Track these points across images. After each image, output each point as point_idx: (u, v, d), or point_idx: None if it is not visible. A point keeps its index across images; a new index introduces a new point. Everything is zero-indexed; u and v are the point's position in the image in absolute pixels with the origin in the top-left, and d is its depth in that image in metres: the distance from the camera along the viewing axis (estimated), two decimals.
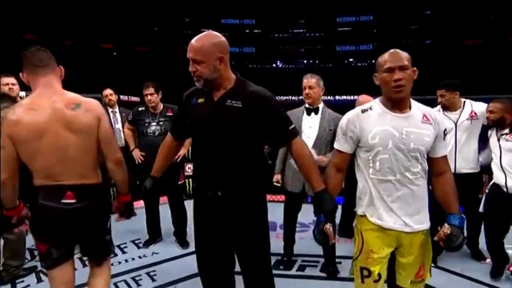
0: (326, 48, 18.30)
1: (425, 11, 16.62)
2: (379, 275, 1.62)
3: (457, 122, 2.99)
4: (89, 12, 15.81)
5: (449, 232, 1.56)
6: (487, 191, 2.91)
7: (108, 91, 3.98)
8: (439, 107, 3.17)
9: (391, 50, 1.58)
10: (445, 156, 1.66)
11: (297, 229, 3.56)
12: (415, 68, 1.56)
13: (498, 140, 2.76)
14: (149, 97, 3.26)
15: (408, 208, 1.57)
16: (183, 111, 1.78)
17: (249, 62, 18.19)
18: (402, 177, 1.55)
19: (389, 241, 1.61)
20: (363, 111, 1.63)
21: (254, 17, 18.65)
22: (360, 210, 1.69)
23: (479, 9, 14.83)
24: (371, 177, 1.61)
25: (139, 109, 3.37)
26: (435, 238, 1.61)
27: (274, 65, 17.74)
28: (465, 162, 2.90)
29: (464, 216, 1.65)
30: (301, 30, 18.71)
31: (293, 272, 2.89)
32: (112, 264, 2.90)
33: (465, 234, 1.65)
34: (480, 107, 2.99)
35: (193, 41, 1.57)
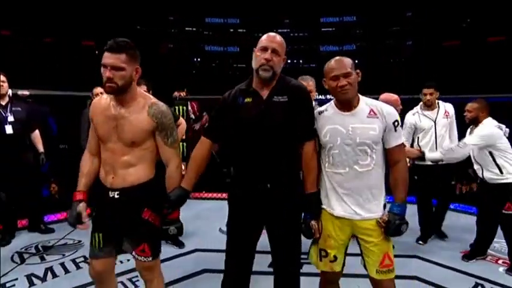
0: (310, 48, 18.40)
1: (406, 12, 16.95)
2: (335, 256, 1.79)
3: (435, 119, 3.36)
4: (69, 8, 15.38)
5: (387, 219, 1.69)
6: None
7: (98, 89, 3.89)
8: (418, 107, 3.51)
9: (336, 58, 1.75)
10: (399, 147, 1.75)
11: None
12: (358, 71, 1.74)
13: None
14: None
15: (358, 198, 1.71)
16: (223, 113, 1.81)
17: (233, 61, 18.08)
18: (351, 170, 1.71)
19: (344, 228, 1.76)
20: (320, 112, 1.82)
21: (238, 16, 18.55)
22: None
23: (457, 12, 15.25)
24: (326, 170, 1.78)
25: None
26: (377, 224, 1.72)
27: None
28: None
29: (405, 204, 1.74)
30: (286, 30, 18.74)
31: None
32: None
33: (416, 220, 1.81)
34: (450, 108, 3.42)
35: (273, 34, 1.76)
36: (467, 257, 3.10)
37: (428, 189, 3.45)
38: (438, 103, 3.43)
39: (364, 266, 1.80)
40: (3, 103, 3.41)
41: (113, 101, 1.75)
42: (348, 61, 1.72)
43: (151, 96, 1.85)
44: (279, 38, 1.75)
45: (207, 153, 1.84)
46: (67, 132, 5.04)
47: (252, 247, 1.84)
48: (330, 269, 1.82)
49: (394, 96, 3.09)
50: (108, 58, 1.65)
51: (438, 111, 3.38)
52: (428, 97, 3.37)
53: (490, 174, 2.91)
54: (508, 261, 2.94)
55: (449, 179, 3.54)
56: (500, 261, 3.04)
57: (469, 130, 3.10)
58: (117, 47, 1.65)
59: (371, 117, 1.71)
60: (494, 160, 2.85)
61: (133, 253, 1.82)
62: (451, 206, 4.51)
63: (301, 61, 20.32)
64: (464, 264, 2.98)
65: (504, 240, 3.26)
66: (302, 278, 2.69)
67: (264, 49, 1.70)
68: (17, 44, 13.76)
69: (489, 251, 3.19)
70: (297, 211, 1.83)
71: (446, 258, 3.08)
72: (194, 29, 19.60)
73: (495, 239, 3.40)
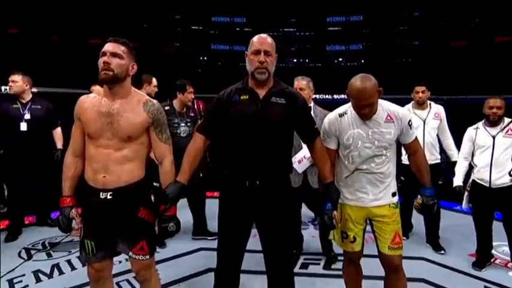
0: (316, 47, 18.36)
1: (413, 12, 16.85)
2: (354, 237, 2.02)
3: (425, 119, 3.37)
4: (75, 6, 15.46)
5: (421, 202, 1.98)
6: (468, 189, 3.06)
7: (97, 87, 3.91)
8: (409, 105, 3.49)
9: (360, 88, 1.79)
10: (415, 140, 1.98)
11: None
12: (381, 89, 1.84)
13: (493, 137, 2.86)
14: (193, 95, 3.37)
15: (374, 189, 1.95)
16: (219, 110, 1.85)
17: (239, 61, 18.12)
18: (368, 166, 1.92)
19: (361, 213, 1.99)
20: (340, 115, 1.96)
21: (245, 15, 18.57)
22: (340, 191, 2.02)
23: (465, 12, 15.12)
24: (346, 166, 1.97)
25: (166, 108, 3.15)
26: (414, 208, 2.07)
27: None
28: (431, 154, 3.28)
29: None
30: (292, 30, 18.72)
31: (296, 269, 2.89)
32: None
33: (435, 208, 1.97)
34: (442, 110, 3.43)
35: (263, 36, 1.82)
36: (479, 265, 2.97)
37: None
38: (430, 104, 3.45)
39: (377, 246, 2.00)
40: (24, 101, 3.49)
41: (105, 97, 1.74)
42: (370, 90, 1.78)
43: (143, 93, 1.88)
44: (269, 39, 1.82)
45: (200, 149, 1.87)
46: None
47: (241, 243, 1.90)
48: (351, 249, 2.05)
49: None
50: (108, 46, 1.70)
51: (429, 112, 3.41)
52: (420, 95, 3.40)
53: (502, 179, 2.79)
54: None
55: (438, 179, 3.40)
56: (509, 265, 2.99)
57: (480, 129, 2.95)
58: (118, 39, 1.73)
59: (388, 121, 1.89)
60: None
61: (131, 253, 1.79)
62: (456, 207, 4.48)
63: (307, 60, 20.27)
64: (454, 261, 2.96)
65: None
66: (306, 278, 2.74)
67: (257, 52, 1.78)
68: (25, 42, 13.87)
69: (498, 255, 3.16)
70: (286, 210, 1.90)
71: (453, 261, 3.04)
72: (200, 27, 19.70)
73: (504, 242, 3.36)
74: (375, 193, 1.95)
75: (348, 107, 1.96)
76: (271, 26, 18.26)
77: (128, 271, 2.78)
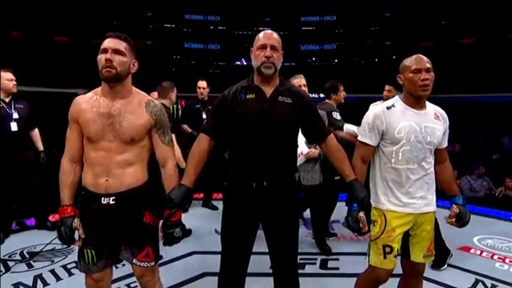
0: (290, 47, 18.45)
1: (385, 13, 17.34)
2: (398, 251, 1.84)
3: None
4: (41, 3, 14.69)
5: (458, 211, 1.83)
6: None
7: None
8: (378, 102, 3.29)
9: (417, 55, 1.78)
10: (446, 147, 1.92)
11: None
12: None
13: None
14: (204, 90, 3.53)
15: (421, 193, 1.79)
16: (223, 110, 1.78)
17: (213, 59, 17.92)
18: (419, 167, 1.77)
19: (407, 221, 1.80)
20: (388, 108, 1.81)
21: (219, 13, 18.39)
22: (381, 196, 1.85)
23: (433, 14, 15.74)
24: (393, 166, 1.79)
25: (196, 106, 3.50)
26: (446, 219, 1.88)
27: (239, 63, 17.61)
28: None
29: None
30: (266, 29, 18.70)
31: None
32: None
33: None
34: None
35: (269, 31, 1.79)
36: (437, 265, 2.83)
37: None
38: None
39: (406, 253, 1.87)
40: (7, 100, 3.30)
41: (104, 97, 1.64)
42: (428, 59, 1.76)
43: (144, 93, 1.78)
44: (275, 34, 1.79)
45: (205, 150, 1.80)
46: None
47: (249, 246, 1.84)
48: (394, 265, 1.84)
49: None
50: (109, 42, 1.60)
51: None
52: (387, 94, 3.28)
53: None
54: (502, 257, 3.08)
55: None
56: (495, 257, 3.11)
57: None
58: (119, 35, 1.63)
59: (436, 119, 1.80)
60: None
61: (135, 260, 1.72)
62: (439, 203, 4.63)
63: (281, 59, 20.44)
64: (462, 261, 3.01)
65: (498, 237, 3.43)
66: (304, 279, 2.71)
67: (263, 47, 1.73)
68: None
69: (483, 247, 3.28)
70: (293, 211, 1.87)
71: None
72: (173, 25, 19.24)
73: (487, 235, 3.52)
74: (427, 197, 1.81)
75: (395, 100, 1.83)
76: (245, 24, 18.19)
77: (123, 277, 2.65)
